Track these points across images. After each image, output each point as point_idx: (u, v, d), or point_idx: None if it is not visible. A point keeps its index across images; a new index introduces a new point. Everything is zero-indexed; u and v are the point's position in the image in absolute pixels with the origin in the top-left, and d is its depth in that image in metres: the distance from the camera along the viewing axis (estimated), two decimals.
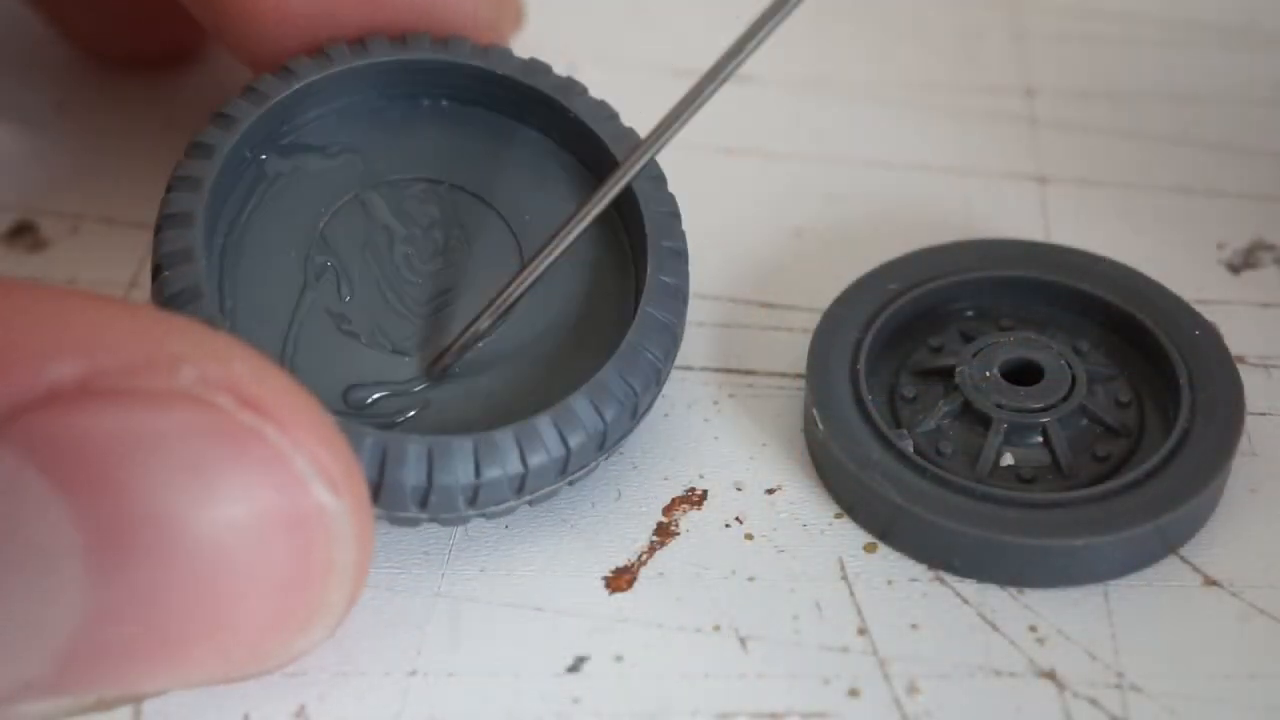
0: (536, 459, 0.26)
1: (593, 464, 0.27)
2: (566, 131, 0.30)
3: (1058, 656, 0.26)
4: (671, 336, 0.28)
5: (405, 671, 0.26)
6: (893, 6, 0.42)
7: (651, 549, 0.28)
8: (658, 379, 0.28)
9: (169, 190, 0.28)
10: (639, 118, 0.38)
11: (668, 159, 0.33)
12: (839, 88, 0.39)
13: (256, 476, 0.21)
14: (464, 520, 0.27)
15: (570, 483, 0.27)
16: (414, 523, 0.26)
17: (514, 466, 0.26)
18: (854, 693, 0.26)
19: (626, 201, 0.29)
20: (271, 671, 0.24)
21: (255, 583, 0.21)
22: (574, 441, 0.26)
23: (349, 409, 0.27)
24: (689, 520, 0.29)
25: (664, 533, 0.28)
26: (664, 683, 0.26)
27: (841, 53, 0.40)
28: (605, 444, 0.27)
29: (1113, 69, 0.39)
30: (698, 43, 0.41)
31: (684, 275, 0.28)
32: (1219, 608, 0.27)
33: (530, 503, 0.27)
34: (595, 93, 0.34)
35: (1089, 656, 0.26)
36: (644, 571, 0.28)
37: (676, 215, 0.29)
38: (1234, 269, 0.33)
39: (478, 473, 0.26)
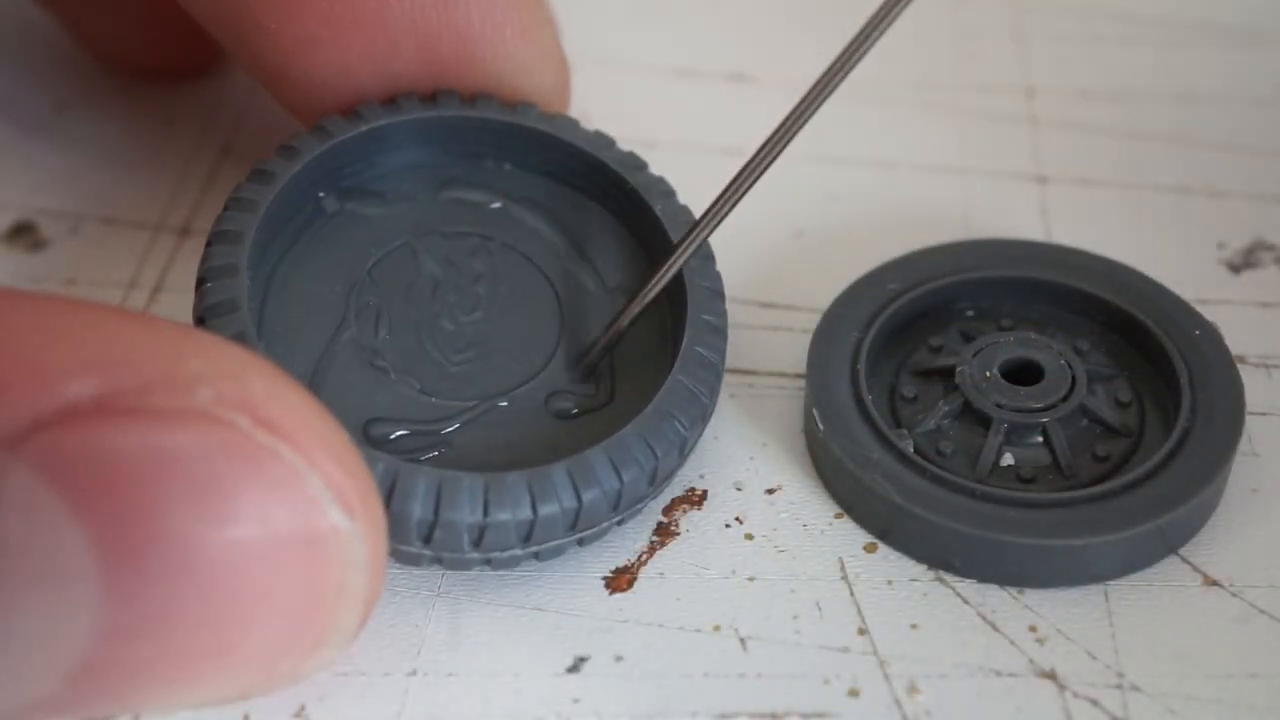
0: (547, 508, 0.25)
1: (605, 524, 0.27)
2: (623, 205, 0.30)
3: (1058, 656, 0.26)
4: (700, 407, 0.27)
5: (405, 671, 0.26)
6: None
7: (651, 549, 0.28)
8: (681, 448, 0.27)
9: (225, 209, 0.28)
10: (639, 118, 0.38)
11: (667, 159, 0.33)
12: (839, 88, 0.39)
13: (270, 497, 0.21)
14: (468, 565, 0.26)
15: (580, 542, 0.27)
16: (417, 560, 0.26)
17: (523, 512, 0.25)
18: (854, 693, 0.26)
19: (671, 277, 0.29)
20: (280, 690, 0.24)
21: (267, 603, 0.21)
22: (587, 496, 0.26)
23: (368, 442, 0.27)
24: (689, 520, 0.29)
25: (664, 533, 0.28)
26: (664, 683, 0.26)
27: None
28: (620, 505, 0.26)
29: (1113, 69, 0.39)
30: (698, 43, 0.41)
31: (720, 351, 0.28)
32: (1219, 608, 0.27)
33: (538, 556, 0.26)
34: (595, 93, 0.34)
35: (1089, 656, 0.26)
36: (644, 571, 0.28)
37: (720, 293, 0.29)
38: (1234, 269, 0.33)
39: (485, 512, 0.25)
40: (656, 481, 0.27)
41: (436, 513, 0.25)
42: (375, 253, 0.30)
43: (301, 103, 0.30)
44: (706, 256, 0.29)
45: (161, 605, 0.20)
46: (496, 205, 0.31)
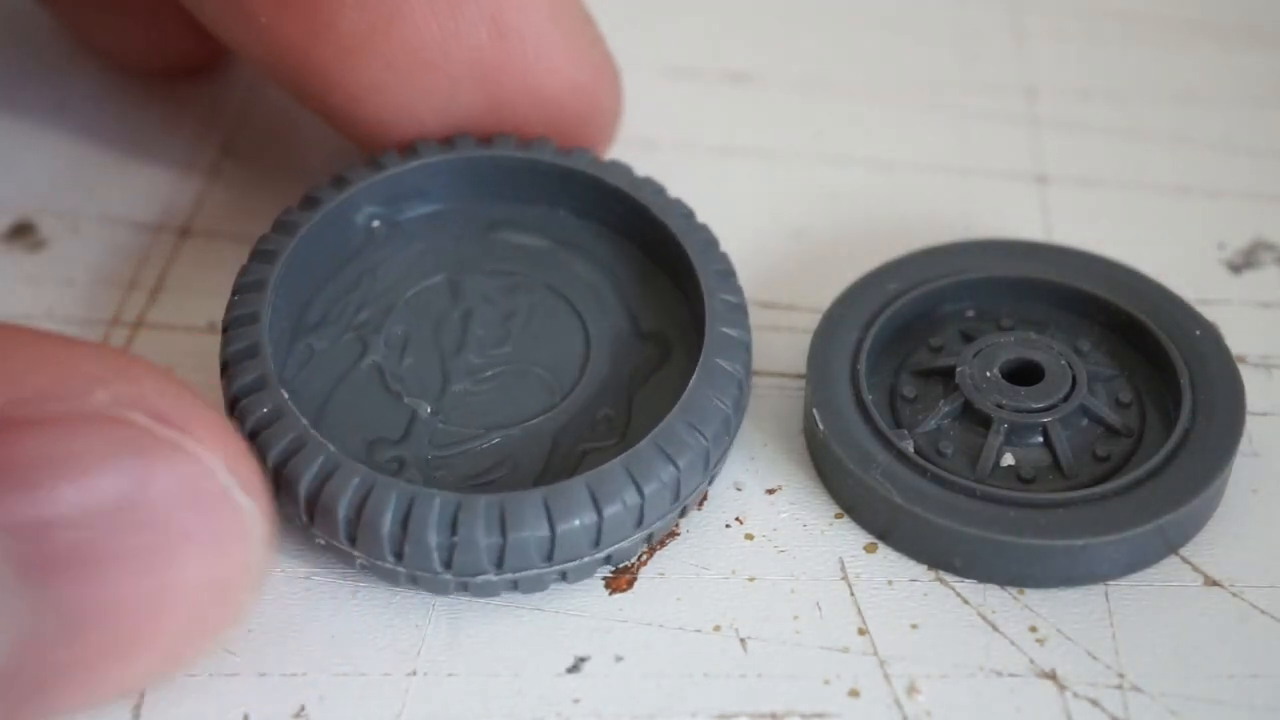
0: (517, 534, 0.25)
1: (587, 559, 0.26)
2: (665, 251, 0.30)
3: (1058, 657, 0.26)
4: (724, 419, 0.27)
5: (405, 671, 0.26)
6: (893, 6, 0.42)
7: (651, 549, 0.28)
8: (676, 492, 0.26)
9: (271, 229, 0.30)
10: (639, 118, 0.38)
11: (667, 159, 0.33)
12: (839, 88, 0.39)
13: (179, 488, 0.21)
14: (444, 587, 0.26)
15: (563, 575, 0.26)
16: (394, 577, 0.26)
17: (493, 536, 0.25)
18: (854, 693, 0.26)
19: (697, 304, 0.29)
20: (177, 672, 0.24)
21: (181, 593, 0.21)
22: (562, 526, 0.25)
23: (369, 461, 0.27)
24: (689, 520, 0.29)
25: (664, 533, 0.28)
26: (664, 683, 0.26)
27: (841, 53, 0.40)
28: (600, 541, 0.26)
29: (1113, 69, 0.39)
30: (698, 43, 0.41)
31: (744, 365, 0.28)
32: (1220, 608, 0.27)
33: (517, 585, 0.26)
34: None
35: (1089, 657, 0.26)
36: (644, 571, 0.28)
37: (743, 308, 0.29)
38: (1234, 269, 0.33)
39: (453, 531, 0.25)
40: (645, 523, 0.26)
41: (405, 528, 0.25)
42: (415, 284, 0.30)
43: (363, 138, 0.31)
44: (727, 273, 0.29)
45: (79, 607, 0.20)
46: (543, 246, 0.31)
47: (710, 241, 0.30)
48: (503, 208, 0.32)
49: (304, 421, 0.26)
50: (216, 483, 0.21)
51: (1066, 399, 0.29)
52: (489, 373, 0.29)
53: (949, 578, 0.27)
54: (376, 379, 0.29)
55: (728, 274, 0.29)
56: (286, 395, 0.27)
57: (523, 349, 0.30)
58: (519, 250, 0.31)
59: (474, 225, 0.31)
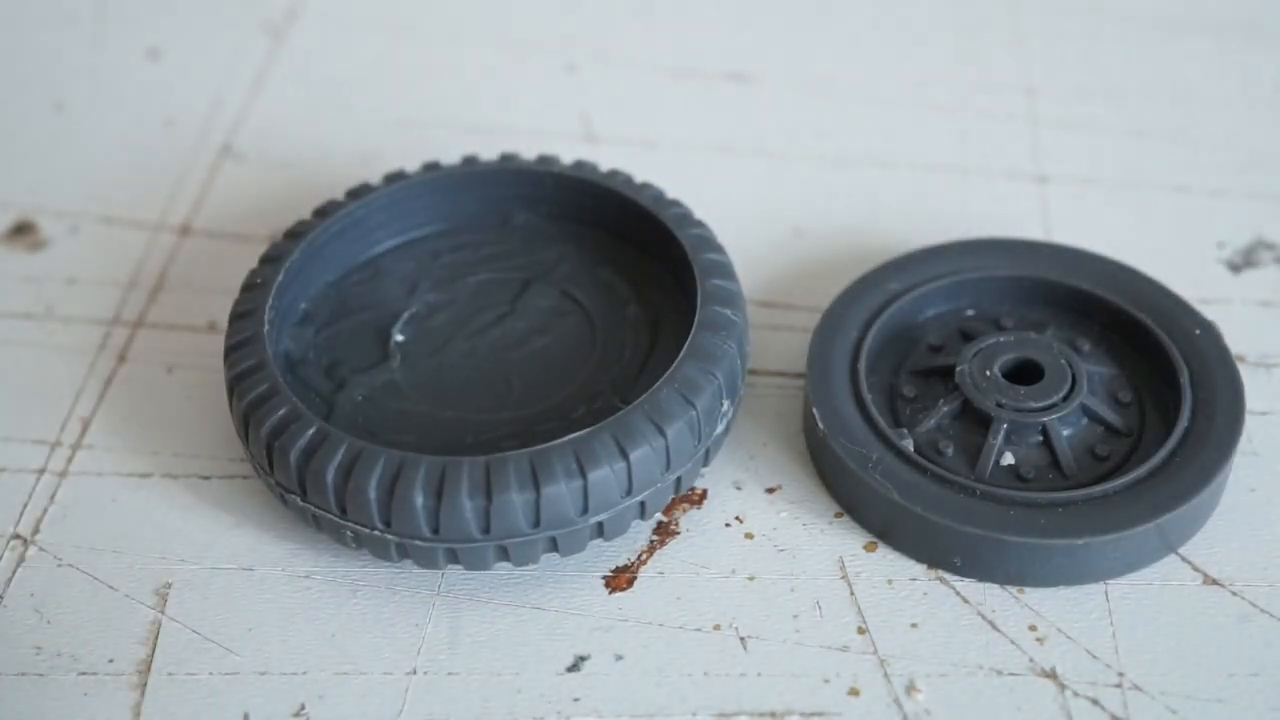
0: (502, 495, 0.25)
1: (621, 505, 0.26)
2: (680, 267, 0.30)
3: (1058, 656, 0.26)
4: (730, 361, 0.27)
5: (405, 671, 0.26)
6: (893, 6, 0.42)
7: (651, 548, 0.28)
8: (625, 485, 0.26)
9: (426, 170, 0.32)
10: (639, 118, 0.38)
11: (667, 159, 0.33)
12: (839, 88, 0.39)
13: None
14: (434, 558, 0.26)
15: (556, 545, 0.26)
16: (384, 549, 0.26)
17: (479, 499, 0.26)
18: (854, 692, 0.26)
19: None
20: None
21: None
22: (547, 490, 0.26)
23: (327, 377, 0.30)
24: (689, 519, 0.29)
25: (664, 532, 0.28)
26: (664, 682, 0.26)
27: (841, 53, 0.40)
28: (540, 524, 0.26)
29: (1113, 68, 0.39)
30: (698, 43, 0.41)
31: (742, 313, 0.28)
32: (1220, 607, 0.27)
33: (507, 554, 0.26)
34: (595, 93, 0.34)
35: (1089, 656, 0.26)
36: (644, 571, 0.28)
37: (728, 267, 0.29)
38: (1234, 268, 0.33)
39: (439, 493, 0.26)
40: (671, 468, 0.27)
41: (391, 492, 0.26)
42: (482, 274, 0.32)
43: None
44: (715, 244, 0.30)
45: None
46: (567, 258, 0.32)
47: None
48: (536, 221, 0.32)
49: (295, 399, 0.27)
50: None
51: (1066, 398, 0.29)
52: (485, 365, 0.30)
53: (949, 577, 0.27)
54: (380, 330, 0.30)
55: (715, 247, 0.30)
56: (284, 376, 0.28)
57: (526, 356, 0.30)
58: (549, 260, 0.32)
59: (515, 232, 0.32)
